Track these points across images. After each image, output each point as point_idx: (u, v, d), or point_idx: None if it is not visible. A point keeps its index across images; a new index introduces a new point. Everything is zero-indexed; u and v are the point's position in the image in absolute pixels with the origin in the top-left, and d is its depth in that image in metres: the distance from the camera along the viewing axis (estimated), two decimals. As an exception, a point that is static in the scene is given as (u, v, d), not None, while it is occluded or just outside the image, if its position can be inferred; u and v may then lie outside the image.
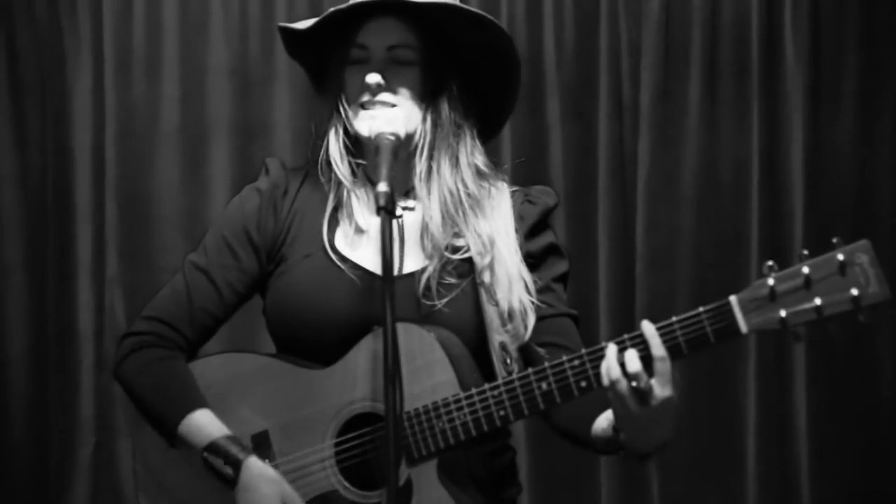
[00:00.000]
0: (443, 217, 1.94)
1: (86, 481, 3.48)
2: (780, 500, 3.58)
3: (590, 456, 3.47)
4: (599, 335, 3.44)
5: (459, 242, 1.94)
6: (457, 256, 1.93)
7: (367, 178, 2.00)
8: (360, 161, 1.99)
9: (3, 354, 3.50)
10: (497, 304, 1.90)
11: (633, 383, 1.70)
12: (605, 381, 1.73)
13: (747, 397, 3.58)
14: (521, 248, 1.96)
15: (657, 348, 1.71)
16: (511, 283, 1.91)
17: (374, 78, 1.92)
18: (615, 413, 1.76)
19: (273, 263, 1.97)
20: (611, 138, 3.59)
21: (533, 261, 1.98)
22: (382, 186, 1.70)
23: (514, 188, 2.04)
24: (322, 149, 2.00)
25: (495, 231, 1.94)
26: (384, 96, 1.93)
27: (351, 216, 1.97)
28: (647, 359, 1.71)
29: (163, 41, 3.55)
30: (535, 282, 1.95)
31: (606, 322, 3.52)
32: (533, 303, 1.93)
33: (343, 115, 1.97)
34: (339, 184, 1.99)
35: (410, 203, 1.99)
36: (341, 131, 1.98)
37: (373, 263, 1.92)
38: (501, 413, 1.80)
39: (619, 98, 3.60)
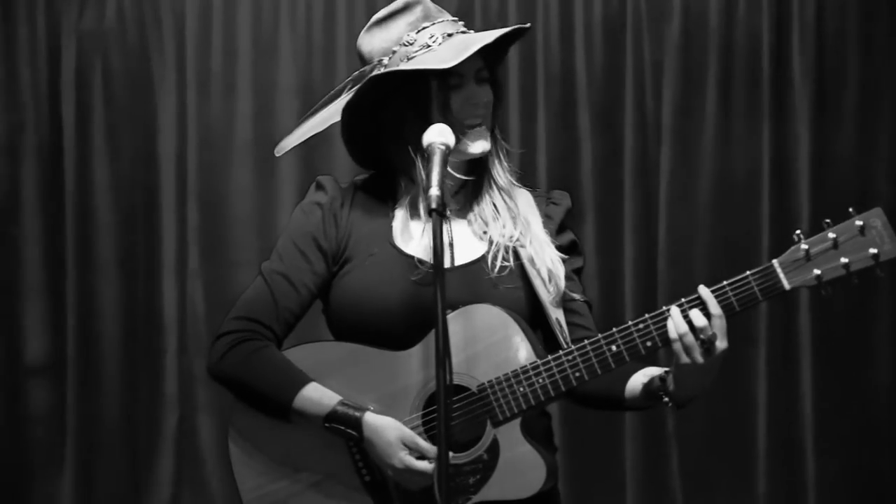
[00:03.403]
0: (494, 209, 2.04)
1: (170, 450, 3.67)
2: (787, 474, 3.69)
3: (615, 431, 3.63)
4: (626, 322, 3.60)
5: (508, 231, 2.03)
6: (510, 243, 2.01)
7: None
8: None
9: (99, 340, 3.68)
10: (539, 273, 1.99)
11: (702, 336, 1.82)
12: (673, 335, 1.84)
13: (758, 383, 3.69)
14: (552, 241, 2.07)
15: (714, 307, 1.83)
16: (543, 247, 2.02)
17: (486, 97, 2.01)
18: (678, 364, 1.86)
19: (338, 265, 2.04)
20: (635, 148, 3.71)
21: (562, 255, 2.08)
22: (434, 190, 1.77)
23: (535, 193, 2.13)
24: (419, 159, 1.98)
25: (528, 214, 2.06)
26: (484, 112, 2.02)
27: (406, 216, 2.06)
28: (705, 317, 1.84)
29: (237, 65, 3.72)
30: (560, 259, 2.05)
31: (631, 312, 3.60)
32: (561, 257, 2.04)
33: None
34: (407, 187, 2.06)
35: (455, 206, 2.07)
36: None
37: (430, 256, 1.96)
38: (577, 374, 1.89)
39: (643, 112, 3.72)
